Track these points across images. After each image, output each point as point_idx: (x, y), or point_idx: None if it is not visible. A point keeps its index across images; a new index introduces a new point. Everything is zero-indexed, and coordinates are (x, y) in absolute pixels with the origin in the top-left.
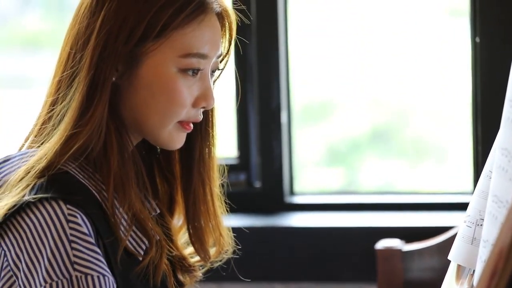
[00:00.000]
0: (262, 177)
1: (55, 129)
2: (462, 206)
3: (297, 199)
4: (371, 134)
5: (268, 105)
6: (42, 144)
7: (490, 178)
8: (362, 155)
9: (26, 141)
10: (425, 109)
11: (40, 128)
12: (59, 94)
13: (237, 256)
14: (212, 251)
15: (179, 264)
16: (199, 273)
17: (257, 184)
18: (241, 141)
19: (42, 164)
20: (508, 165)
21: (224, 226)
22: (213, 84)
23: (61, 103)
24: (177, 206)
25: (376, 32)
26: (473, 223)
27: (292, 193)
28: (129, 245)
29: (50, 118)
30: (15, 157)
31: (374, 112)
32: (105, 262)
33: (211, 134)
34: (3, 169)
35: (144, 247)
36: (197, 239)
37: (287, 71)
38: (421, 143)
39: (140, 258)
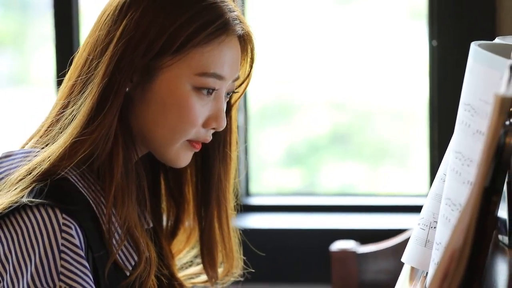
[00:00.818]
0: None
1: (61, 132)
2: (418, 209)
3: (253, 200)
4: (331, 136)
5: None
6: (47, 145)
7: (444, 181)
8: (321, 157)
9: (30, 140)
10: (385, 111)
11: (47, 129)
12: (70, 98)
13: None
14: (220, 271)
15: (168, 283)
16: None
17: None
18: None
19: (45, 166)
20: (461, 169)
21: (237, 248)
22: (232, 105)
23: (71, 107)
24: (182, 226)
25: (337, 34)
26: (426, 225)
27: (248, 194)
28: (119, 259)
29: (58, 120)
30: (17, 154)
31: (334, 114)
32: (91, 278)
33: (229, 155)
34: (3, 165)
35: (133, 262)
36: (209, 261)
37: None
38: (380, 146)
39: (128, 273)
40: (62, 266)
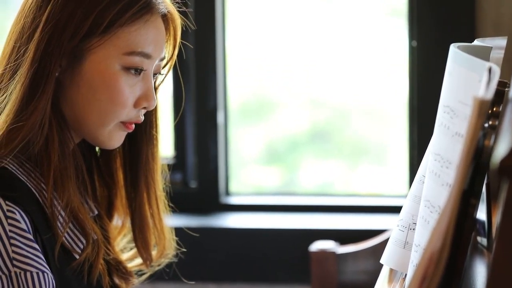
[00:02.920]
0: (198, 177)
1: None
2: (398, 209)
3: (233, 200)
4: (310, 133)
5: (205, 105)
6: None
7: (423, 182)
8: (300, 155)
9: None
10: (364, 110)
11: None
12: (0, 87)
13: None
14: (153, 254)
15: (116, 267)
16: (135, 279)
17: (193, 184)
18: (177, 141)
19: None
20: (440, 171)
21: (168, 229)
22: (157, 88)
23: (1, 95)
24: (116, 210)
25: (316, 32)
26: (405, 227)
27: (227, 193)
28: (66, 241)
29: None
30: None
31: (313, 112)
32: (43, 259)
33: (155, 136)
34: None
35: (81, 245)
36: (142, 242)
37: (224, 71)
38: (360, 144)
39: (77, 256)
40: (14, 251)
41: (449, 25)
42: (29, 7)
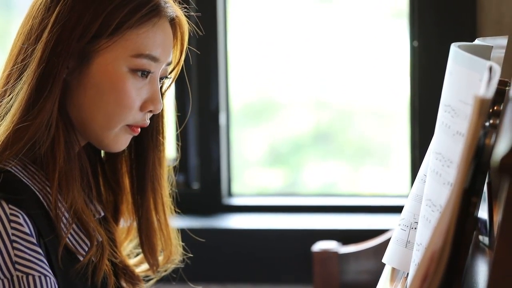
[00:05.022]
0: (201, 178)
1: (1, 121)
2: (400, 209)
3: (235, 201)
4: (313, 135)
5: (207, 107)
6: None
7: (425, 182)
8: (303, 156)
9: None
10: (367, 111)
11: None
12: (7, 87)
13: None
14: (160, 259)
15: (123, 271)
16: (143, 284)
17: (195, 186)
18: (179, 142)
19: None
20: (441, 170)
21: (174, 235)
22: (163, 93)
23: (8, 95)
24: (122, 215)
25: (319, 33)
26: (407, 226)
27: (230, 194)
28: (70, 243)
29: None
30: None
31: (316, 113)
32: (46, 262)
33: (161, 142)
34: None
35: (85, 247)
36: (149, 248)
37: (226, 73)
38: (362, 146)
39: (81, 258)
40: (16, 255)
41: (450, 25)
42: (38, 8)
